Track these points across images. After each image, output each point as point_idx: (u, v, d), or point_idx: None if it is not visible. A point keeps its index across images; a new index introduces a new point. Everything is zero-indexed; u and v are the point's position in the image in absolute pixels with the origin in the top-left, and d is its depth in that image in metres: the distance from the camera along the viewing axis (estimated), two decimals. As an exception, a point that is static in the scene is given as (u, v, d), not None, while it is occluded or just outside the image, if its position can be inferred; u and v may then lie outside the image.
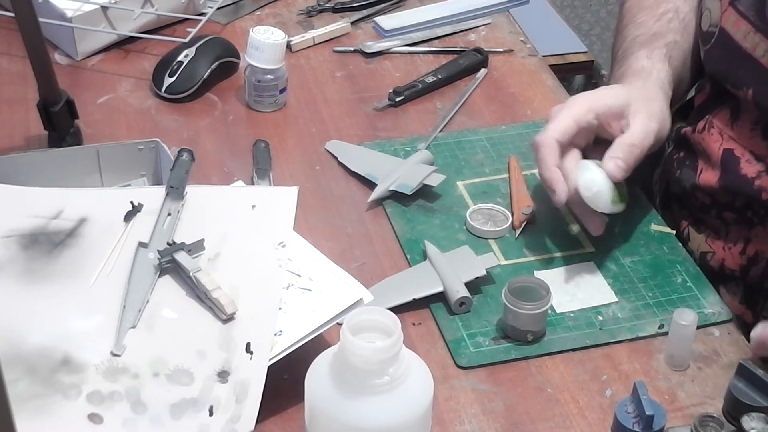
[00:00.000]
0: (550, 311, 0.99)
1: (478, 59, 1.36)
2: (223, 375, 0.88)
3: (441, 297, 1.01)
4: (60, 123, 1.17)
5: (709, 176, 1.12)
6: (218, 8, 1.43)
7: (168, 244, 0.96)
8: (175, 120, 1.26)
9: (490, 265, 1.04)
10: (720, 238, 1.13)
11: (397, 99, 1.29)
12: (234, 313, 0.91)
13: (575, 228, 1.10)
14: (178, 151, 1.04)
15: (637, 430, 0.80)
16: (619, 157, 1.02)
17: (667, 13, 1.17)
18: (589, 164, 1.04)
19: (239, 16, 1.45)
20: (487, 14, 1.48)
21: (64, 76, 1.24)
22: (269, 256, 0.96)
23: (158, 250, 0.95)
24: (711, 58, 1.13)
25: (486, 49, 1.38)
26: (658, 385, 0.95)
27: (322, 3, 1.48)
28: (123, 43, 1.37)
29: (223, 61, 1.31)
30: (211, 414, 0.85)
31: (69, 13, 1.31)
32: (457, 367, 0.96)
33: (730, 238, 1.12)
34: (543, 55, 1.44)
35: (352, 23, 1.44)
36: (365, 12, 1.47)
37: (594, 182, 1.02)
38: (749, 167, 1.09)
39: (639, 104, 1.06)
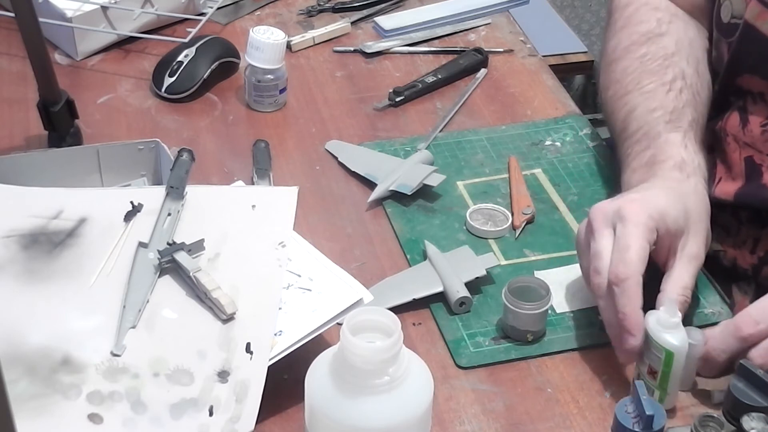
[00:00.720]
0: (550, 311, 0.99)
1: (478, 59, 1.36)
2: (223, 375, 0.88)
3: (441, 297, 1.01)
4: (60, 123, 1.17)
5: (727, 186, 1.11)
6: (218, 8, 1.43)
7: (168, 244, 0.96)
8: (175, 120, 1.26)
9: (490, 265, 1.04)
10: (730, 236, 1.13)
11: (397, 99, 1.29)
12: (234, 313, 0.91)
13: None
14: (178, 151, 1.04)
15: (637, 430, 0.80)
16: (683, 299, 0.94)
17: (676, 81, 1.10)
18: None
19: (239, 16, 1.45)
20: (487, 14, 1.48)
21: (64, 76, 1.24)
22: (269, 256, 0.96)
23: (158, 250, 0.95)
24: (736, 51, 1.10)
25: (486, 49, 1.38)
26: (658, 385, 0.95)
27: (322, 3, 1.48)
28: (123, 43, 1.37)
29: (223, 61, 1.31)
30: (211, 414, 0.85)
31: (69, 13, 1.31)
32: (457, 367, 0.96)
33: (740, 236, 1.12)
34: (543, 55, 1.44)
35: (352, 23, 1.44)
36: (365, 12, 1.47)
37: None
38: None
39: (694, 226, 0.97)
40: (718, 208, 1.11)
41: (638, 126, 1.09)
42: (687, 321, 0.89)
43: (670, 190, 0.99)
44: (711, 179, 1.11)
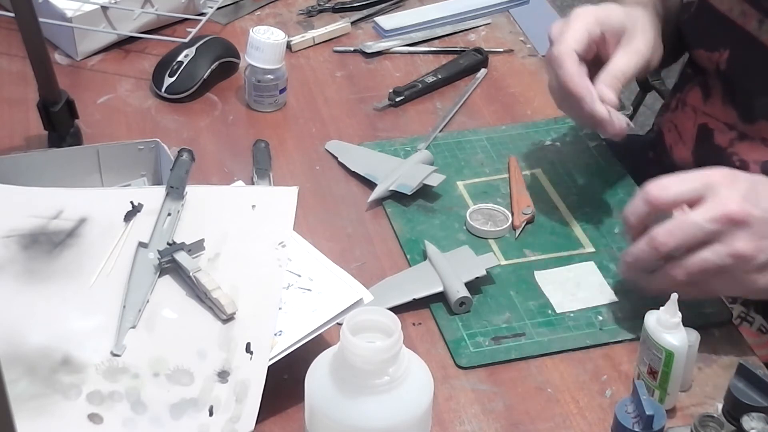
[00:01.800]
0: (550, 311, 1.00)
1: (478, 59, 1.36)
2: (223, 375, 0.88)
3: (441, 297, 1.01)
4: (60, 123, 1.17)
5: (681, 151, 1.17)
6: (218, 8, 1.43)
7: (168, 244, 0.96)
8: (175, 120, 1.26)
9: (490, 265, 1.04)
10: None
11: (397, 99, 1.29)
12: (234, 313, 0.91)
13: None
14: (178, 151, 1.04)
15: (637, 430, 0.80)
16: (608, 84, 1.06)
17: None
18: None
19: (239, 16, 1.45)
20: (487, 14, 1.48)
21: (64, 76, 1.24)
22: (269, 256, 0.96)
23: (158, 250, 0.95)
24: (689, 26, 1.17)
25: (486, 49, 1.38)
26: (658, 385, 0.95)
27: (322, 3, 1.48)
28: (123, 43, 1.38)
29: (223, 61, 1.31)
30: (211, 414, 0.85)
31: (69, 13, 1.31)
32: (457, 367, 0.96)
33: None
34: (543, 55, 1.44)
35: (352, 23, 1.44)
36: (365, 12, 1.47)
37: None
38: (722, 137, 1.12)
39: (640, 29, 1.09)
40: None
41: None
42: (687, 321, 0.89)
43: (620, 8, 1.12)
44: (662, 147, 1.20)
